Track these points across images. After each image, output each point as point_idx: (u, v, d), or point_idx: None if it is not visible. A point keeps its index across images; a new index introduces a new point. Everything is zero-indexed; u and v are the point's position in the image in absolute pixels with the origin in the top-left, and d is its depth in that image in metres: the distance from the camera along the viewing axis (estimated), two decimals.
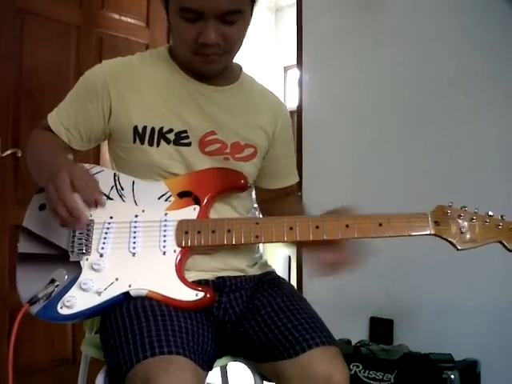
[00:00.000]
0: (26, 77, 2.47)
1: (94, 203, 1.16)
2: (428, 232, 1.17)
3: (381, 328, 2.28)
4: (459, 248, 1.15)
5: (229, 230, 1.18)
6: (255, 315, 1.23)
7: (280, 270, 4.36)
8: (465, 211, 1.17)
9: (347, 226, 1.16)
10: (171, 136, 1.26)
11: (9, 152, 2.38)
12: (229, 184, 1.27)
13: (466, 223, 1.16)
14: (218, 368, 1.49)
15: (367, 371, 1.94)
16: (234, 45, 1.23)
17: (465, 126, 2.14)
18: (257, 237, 1.18)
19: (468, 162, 2.12)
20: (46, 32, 2.53)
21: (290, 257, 4.27)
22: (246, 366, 1.29)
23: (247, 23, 1.24)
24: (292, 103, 4.98)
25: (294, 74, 3.31)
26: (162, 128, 1.25)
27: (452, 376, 1.78)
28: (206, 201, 1.23)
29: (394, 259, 2.26)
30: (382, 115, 2.35)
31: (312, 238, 1.17)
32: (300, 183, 2.57)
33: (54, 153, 1.26)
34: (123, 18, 2.82)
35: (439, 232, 1.16)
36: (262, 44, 4.89)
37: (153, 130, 1.25)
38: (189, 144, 1.27)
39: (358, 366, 1.95)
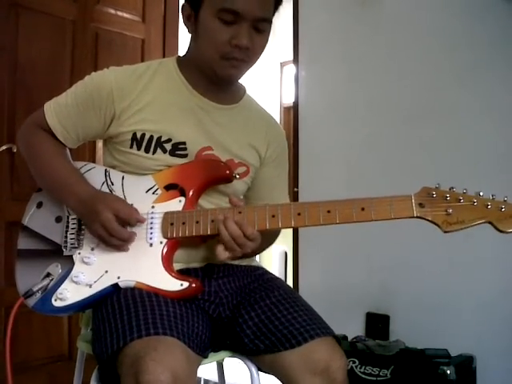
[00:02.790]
0: (21, 71, 2.45)
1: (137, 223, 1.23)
2: (412, 214, 1.12)
3: (377, 324, 2.28)
4: (445, 230, 1.10)
5: (212, 220, 1.19)
6: (254, 306, 1.26)
7: (276, 266, 4.35)
8: (451, 192, 1.12)
9: (329, 211, 1.14)
10: (168, 146, 1.28)
11: (4, 147, 2.37)
12: (214, 174, 1.28)
13: (452, 204, 1.10)
14: (215, 364, 1.50)
15: (363, 367, 1.95)
16: (256, 55, 1.28)
17: (460, 123, 2.13)
18: None
19: (464, 159, 2.11)
20: (42, 26, 2.51)
21: (286, 252, 4.26)
22: (242, 362, 1.29)
23: (267, 39, 1.29)
24: (288, 99, 4.99)
25: (291, 69, 3.30)
26: (160, 137, 1.28)
27: (448, 371, 1.78)
28: (191, 192, 1.25)
29: (389, 255, 2.27)
30: (378, 111, 2.35)
31: (294, 224, 1.17)
32: (296, 179, 2.58)
33: (66, 174, 1.29)
34: (119, 13, 2.81)
35: (424, 214, 1.11)
36: None
37: (151, 137, 1.27)
38: (185, 156, 1.29)
39: (354, 362, 1.96)
